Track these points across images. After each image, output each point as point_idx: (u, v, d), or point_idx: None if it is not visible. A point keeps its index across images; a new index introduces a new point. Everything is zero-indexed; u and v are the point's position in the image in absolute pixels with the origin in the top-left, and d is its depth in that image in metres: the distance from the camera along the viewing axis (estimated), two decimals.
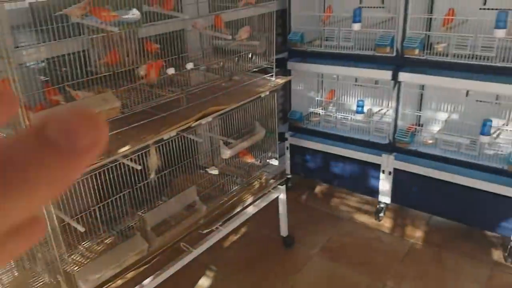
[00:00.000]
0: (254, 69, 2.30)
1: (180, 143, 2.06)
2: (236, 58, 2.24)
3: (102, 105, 1.63)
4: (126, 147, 1.62)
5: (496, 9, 2.13)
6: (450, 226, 2.67)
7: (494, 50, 2.11)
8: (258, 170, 2.45)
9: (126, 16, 1.68)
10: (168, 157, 1.97)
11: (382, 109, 2.81)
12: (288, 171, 3.16)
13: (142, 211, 1.91)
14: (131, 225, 1.84)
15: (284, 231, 2.58)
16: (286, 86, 3.04)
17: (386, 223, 2.77)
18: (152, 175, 1.82)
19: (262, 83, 2.28)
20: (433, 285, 2.24)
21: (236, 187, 2.25)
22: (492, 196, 2.27)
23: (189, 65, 1.86)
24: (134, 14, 1.70)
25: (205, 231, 1.95)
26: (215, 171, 2.17)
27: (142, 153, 1.78)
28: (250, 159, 2.42)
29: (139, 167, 1.72)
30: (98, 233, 1.75)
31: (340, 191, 3.13)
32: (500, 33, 2.03)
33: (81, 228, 1.57)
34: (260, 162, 2.47)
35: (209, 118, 1.91)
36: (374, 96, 2.81)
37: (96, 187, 1.75)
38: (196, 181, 2.18)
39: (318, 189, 3.21)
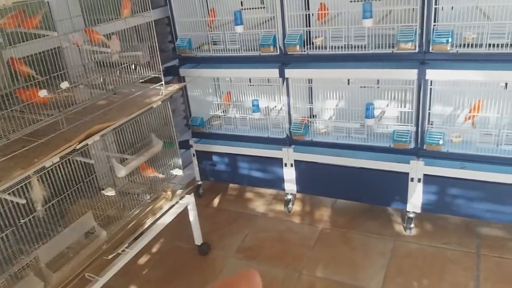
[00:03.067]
0: (142, 80, 2.18)
1: (71, 167, 1.89)
2: (118, 71, 2.11)
3: None
4: (2, 182, 1.43)
5: (363, 0, 2.23)
6: (354, 207, 2.77)
7: (365, 39, 2.21)
8: (162, 183, 2.34)
9: None
10: (57, 184, 1.78)
11: (277, 106, 2.84)
12: (198, 177, 3.08)
13: (36, 247, 1.71)
14: (24, 265, 1.64)
15: (198, 239, 2.49)
16: (183, 93, 2.96)
17: (296, 213, 2.81)
18: (39, 207, 1.64)
19: (153, 93, 2.17)
20: (344, 265, 2.30)
21: (140, 205, 2.11)
22: (383, 174, 2.39)
23: (64, 84, 1.69)
24: None
25: (110, 257, 1.80)
26: (111, 192, 2.02)
27: (24, 185, 1.59)
28: (152, 173, 2.30)
29: (22, 201, 1.54)
30: None
31: (251, 189, 3.12)
32: (367, 22, 2.12)
33: None
34: (163, 174, 2.36)
35: (96, 137, 1.77)
36: (269, 94, 2.82)
37: None
38: (94, 205, 2.02)
39: (230, 191, 3.17)
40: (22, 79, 1.75)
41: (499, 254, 2.23)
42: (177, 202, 2.28)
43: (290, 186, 2.74)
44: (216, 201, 3.07)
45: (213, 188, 3.19)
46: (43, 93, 1.65)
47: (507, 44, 1.93)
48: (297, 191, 2.75)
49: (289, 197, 2.80)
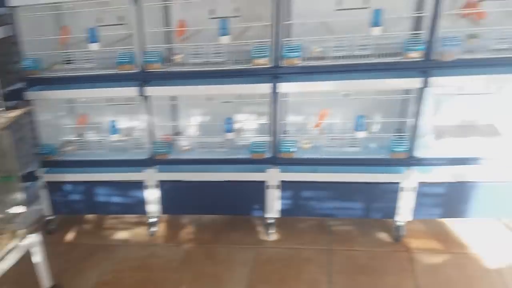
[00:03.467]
0: None
1: None
2: None
3: None
4: None
5: (221, 17, 2.38)
6: (219, 221, 2.80)
7: (223, 55, 2.34)
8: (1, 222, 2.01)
9: None
10: None
11: (140, 125, 2.76)
12: (49, 212, 2.74)
13: None
14: None
15: (47, 282, 2.16)
16: (31, 119, 2.67)
17: (160, 236, 2.70)
18: None
19: None
20: (209, 281, 2.27)
21: None
22: (243, 184, 2.49)
23: None
24: None
25: None
26: None
27: None
28: None
29: None
30: None
31: (111, 217, 2.90)
32: (224, 39, 2.27)
33: None
34: (1, 214, 2.05)
35: None
36: (131, 113, 2.74)
37: None
38: None
39: (87, 222, 2.90)
40: None
41: (348, 247, 2.46)
42: (16, 246, 1.97)
43: (153, 208, 2.64)
44: (70, 236, 2.77)
45: (68, 222, 2.88)
46: None
47: (347, 56, 2.22)
48: (162, 213, 2.66)
49: (152, 220, 2.68)
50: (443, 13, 2.05)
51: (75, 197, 2.71)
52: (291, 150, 2.41)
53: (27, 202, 2.12)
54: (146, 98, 2.48)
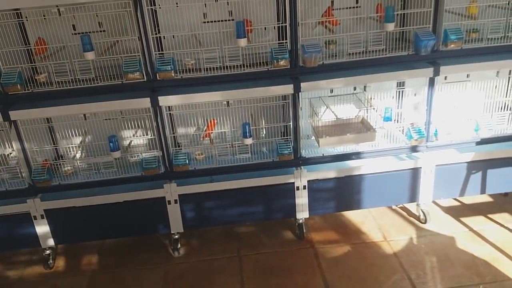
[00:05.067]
0: None
1: None
2: None
3: None
4: None
5: (82, 33, 2.21)
6: (123, 243, 2.72)
7: (91, 71, 2.19)
8: None
9: None
10: None
11: (12, 153, 2.54)
12: None
13: None
14: None
15: None
16: None
17: (59, 268, 2.58)
18: None
19: None
20: None
21: None
22: (141, 203, 2.42)
23: None
24: None
25: None
26: None
27: None
28: None
29: None
30: None
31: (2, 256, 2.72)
32: (89, 55, 2.11)
33: None
34: None
35: None
36: None
37: None
38: None
39: None
40: None
41: (256, 251, 2.55)
42: None
43: (45, 240, 2.50)
44: None
45: None
46: None
47: (220, 67, 2.22)
48: (56, 243, 2.54)
49: (47, 252, 2.55)
50: (301, 22, 2.17)
51: None
52: (185, 162, 2.38)
53: None
54: (11, 123, 2.27)
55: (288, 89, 2.26)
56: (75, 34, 2.34)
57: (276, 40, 2.38)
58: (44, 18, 2.28)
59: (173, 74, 2.18)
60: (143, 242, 2.71)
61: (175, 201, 2.43)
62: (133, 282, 2.41)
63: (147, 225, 2.54)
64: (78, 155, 2.54)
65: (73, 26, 2.36)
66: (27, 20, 2.29)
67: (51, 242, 2.52)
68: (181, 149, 2.46)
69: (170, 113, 2.33)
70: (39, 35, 2.27)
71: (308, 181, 2.44)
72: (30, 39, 2.35)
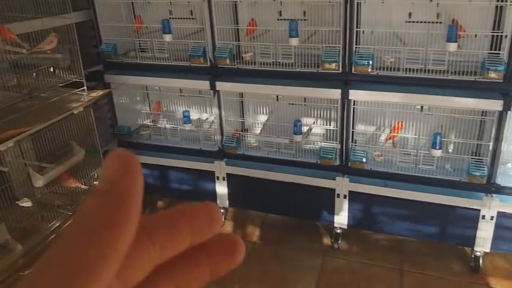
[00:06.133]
0: (62, 84, 2.17)
1: None
2: (35, 73, 2.09)
3: None
4: None
5: (289, 19, 2.35)
6: (285, 222, 2.89)
7: (292, 57, 2.33)
8: (85, 194, 2.34)
9: None
10: None
11: (209, 117, 2.91)
12: None
13: None
14: None
15: None
16: (109, 101, 2.95)
17: (227, 227, 2.91)
18: None
19: (74, 98, 2.17)
20: (275, 281, 2.41)
21: (60, 217, 2.12)
22: (311, 189, 2.54)
23: None
24: None
25: (26, 272, 1.81)
26: (27, 203, 2.02)
27: None
28: (73, 184, 2.30)
29: None
30: None
31: (181, 202, 3.16)
32: (294, 41, 2.24)
33: None
34: (86, 185, 2.37)
35: (10, 143, 1.76)
36: (201, 105, 2.89)
37: None
38: (7, 216, 2.00)
39: (159, 204, 3.21)
40: None
41: (420, 270, 2.43)
42: None
43: (222, 199, 2.83)
44: (144, 215, 3.09)
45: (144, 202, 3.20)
46: None
47: (421, 69, 2.12)
48: (229, 205, 2.85)
49: (221, 211, 2.89)
50: None
51: (148, 179, 2.99)
52: (362, 160, 2.39)
53: None
54: (216, 92, 2.59)
55: (495, 105, 2.04)
56: (280, 20, 2.49)
57: (488, 49, 2.13)
58: (255, 2, 2.49)
59: (369, 70, 2.17)
60: (303, 225, 2.84)
61: (345, 196, 2.47)
62: (290, 261, 2.56)
63: (312, 212, 2.64)
64: (261, 131, 2.75)
65: (280, 12, 2.51)
66: (240, 2, 2.52)
67: (226, 203, 2.83)
68: (356, 145, 2.46)
69: (355, 108, 2.33)
70: (249, 17, 2.49)
71: (498, 212, 2.20)
72: (240, 20, 2.59)
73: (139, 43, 2.77)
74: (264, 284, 2.41)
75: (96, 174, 2.44)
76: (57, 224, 2.12)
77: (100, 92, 2.38)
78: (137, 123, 3.05)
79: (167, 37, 2.53)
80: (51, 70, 2.25)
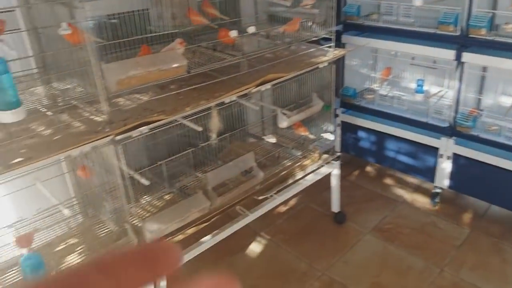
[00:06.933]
0: (309, 39, 2.35)
1: (234, 110, 2.16)
2: (310, 23, 2.30)
3: (169, 63, 1.73)
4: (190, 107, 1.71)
5: None
6: (511, 218, 2.66)
7: None
8: (311, 143, 2.52)
9: None
10: (224, 122, 2.07)
11: (441, 91, 2.80)
12: (338, 148, 3.18)
13: (200, 171, 2.03)
14: (190, 184, 1.97)
15: (336, 207, 2.65)
16: (339, 61, 3.07)
17: (442, 208, 2.79)
18: (214, 137, 1.93)
19: (319, 54, 2.34)
20: (494, 274, 2.25)
21: (290, 159, 2.33)
22: None
23: (251, 29, 1.92)
24: None
25: (260, 197, 2.05)
26: (272, 140, 2.27)
27: (201, 116, 1.86)
28: (304, 132, 2.48)
29: (199, 129, 1.81)
30: (160, 189, 1.88)
31: (393, 172, 3.15)
32: None
33: (145, 182, 1.69)
34: (314, 135, 2.53)
35: (268, 86, 1.99)
36: (431, 76, 2.80)
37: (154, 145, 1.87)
38: (249, 148, 2.28)
39: (369, 169, 3.25)
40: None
41: None
42: (322, 166, 2.45)
43: (442, 179, 2.72)
44: (353, 176, 3.18)
45: (351, 162, 3.26)
46: (233, 33, 1.91)
47: None
48: (448, 187, 2.72)
49: (437, 190, 2.78)
50: None
51: (364, 143, 3.04)
52: None
53: (333, 133, 2.55)
54: (460, 64, 2.47)
55: None
56: None
57: None
58: None
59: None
60: None
61: None
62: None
63: None
64: (502, 114, 2.53)
65: None
66: None
67: (445, 183, 2.70)
68: None
69: None
70: None
71: None
72: None
73: (384, 7, 2.81)
74: (480, 273, 2.26)
75: (325, 128, 2.57)
76: (288, 164, 2.32)
77: (343, 51, 2.50)
78: (362, 86, 3.11)
79: (418, 1, 2.50)
80: (309, 24, 2.44)
